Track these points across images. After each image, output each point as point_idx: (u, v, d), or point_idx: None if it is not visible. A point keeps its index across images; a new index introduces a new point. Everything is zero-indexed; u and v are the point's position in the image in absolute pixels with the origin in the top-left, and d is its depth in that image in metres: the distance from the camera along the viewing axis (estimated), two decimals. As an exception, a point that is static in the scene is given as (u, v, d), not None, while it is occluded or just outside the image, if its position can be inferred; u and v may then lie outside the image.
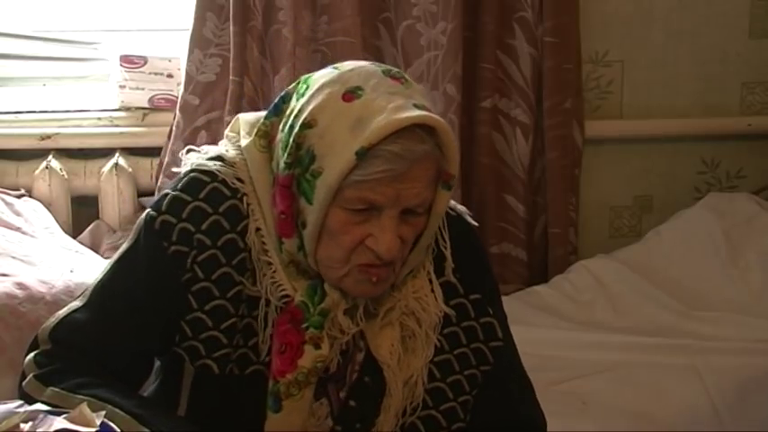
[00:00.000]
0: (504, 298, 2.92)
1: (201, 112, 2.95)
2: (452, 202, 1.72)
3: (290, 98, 1.58)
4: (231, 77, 2.90)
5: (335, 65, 1.59)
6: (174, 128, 2.95)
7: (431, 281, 1.66)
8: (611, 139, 3.24)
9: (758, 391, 2.52)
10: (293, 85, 1.60)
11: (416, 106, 1.50)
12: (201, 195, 1.60)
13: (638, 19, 3.19)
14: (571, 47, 3.06)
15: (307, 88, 1.56)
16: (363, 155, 1.47)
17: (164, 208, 1.60)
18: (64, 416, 1.43)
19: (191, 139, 2.94)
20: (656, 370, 2.57)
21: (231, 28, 2.88)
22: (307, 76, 1.59)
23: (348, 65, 1.58)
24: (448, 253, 1.68)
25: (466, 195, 3.03)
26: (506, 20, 3.02)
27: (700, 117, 3.25)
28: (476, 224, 1.76)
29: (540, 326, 2.77)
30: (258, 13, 2.88)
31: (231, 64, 2.89)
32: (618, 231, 3.31)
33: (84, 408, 1.44)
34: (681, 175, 3.29)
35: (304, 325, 1.58)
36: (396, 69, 1.58)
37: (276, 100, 1.62)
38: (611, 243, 3.22)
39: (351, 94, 1.51)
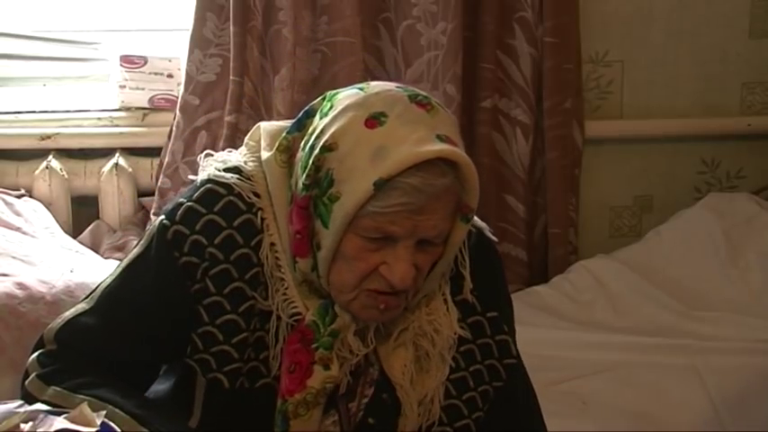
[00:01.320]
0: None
1: (202, 112, 2.95)
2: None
3: (314, 114, 1.56)
4: (231, 77, 2.90)
5: (362, 85, 1.56)
6: (174, 128, 2.95)
7: (446, 301, 1.65)
8: (611, 139, 3.24)
9: (758, 392, 2.52)
10: (318, 100, 1.58)
11: (439, 137, 1.48)
12: (216, 208, 1.58)
13: (638, 19, 3.19)
14: (571, 47, 3.06)
15: (331, 107, 1.53)
16: (382, 186, 1.45)
17: (177, 218, 1.59)
18: (64, 416, 1.43)
19: (191, 139, 2.94)
20: (656, 370, 2.57)
21: (231, 28, 2.88)
22: (333, 92, 1.57)
23: (374, 87, 1.55)
24: (467, 273, 1.66)
25: (466, 195, 3.03)
26: (506, 20, 3.02)
27: (700, 117, 3.25)
28: (495, 239, 1.74)
29: (540, 326, 2.77)
30: (258, 14, 2.88)
31: (231, 64, 2.89)
32: (618, 231, 3.31)
33: (85, 407, 1.44)
34: (681, 175, 3.29)
35: (314, 345, 1.56)
36: (423, 94, 1.54)
37: (300, 114, 1.59)
38: (611, 243, 3.22)
39: (374, 120, 1.49)
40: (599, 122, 3.19)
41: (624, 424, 2.40)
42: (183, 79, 2.96)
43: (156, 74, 3.03)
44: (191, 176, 1.68)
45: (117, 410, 1.49)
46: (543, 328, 2.76)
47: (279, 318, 1.58)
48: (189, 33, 2.93)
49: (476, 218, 1.69)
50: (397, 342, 1.62)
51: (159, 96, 3.03)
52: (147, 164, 3.01)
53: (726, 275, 2.93)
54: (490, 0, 2.98)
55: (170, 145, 2.95)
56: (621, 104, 3.23)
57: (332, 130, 1.50)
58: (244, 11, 2.87)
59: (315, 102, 1.59)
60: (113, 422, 1.45)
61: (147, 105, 3.03)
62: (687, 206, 3.16)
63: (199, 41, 2.93)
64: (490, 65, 3.03)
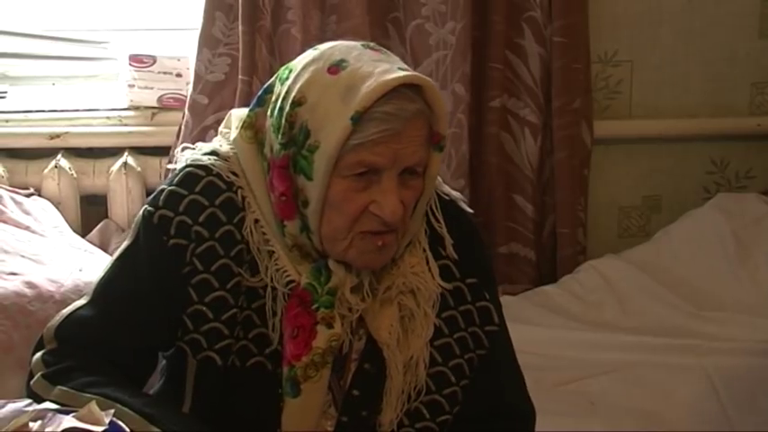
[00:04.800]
0: (512, 298, 2.94)
1: (210, 111, 2.95)
2: (447, 188, 1.76)
3: (273, 87, 1.62)
4: (240, 77, 2.90)
5: (315, 47, 1.63)
6: (182, 127, 2.95)
7: (427, 259, 1.68)
8: (619, 139, 3.24)
9: (767, 392, 2.51)
10: (274, 77, 1.64)
11: (402, 69, 1.54)
12: (197, 189, 1.62)
13: (648, 19, 3.18)
14: (580, 47, 3.06)
15: (290, 72, 1.59)
16: (358, 119, 1.50)
17: (161, 203, 1.63)
18: (72, 414, 1.44)
19: (199, 138, 2.94)
20: (665, 370, 2.56)
21: (240, 27, 2.88)
22: (287, 64, 1.63)
23: (327, 44, 1.62)
24: (444, 231, 1.70)
25: (474, 195, 3.03)
26: (515, 19, 3.02)
27: (709, 117, 3.24)
28: (470, 210, 1.78)
29: (548, 326, 2.77)
30: (267, 13, 2.88)
31: (240, 63, 2.89)
32: (626, 231, 3.30)
33: (94, 406, 1.44)
34: (690, 176, 3.29)
35: (314, 306, 1.59)
36: (374, 43, 1.62)
37: (259, 92, 1.65)
38: (620, 243, 3.22)
39: (335, 67, 1.55)
40: (608, 122, 3.18)
41: (632, 424, 2.40)
42: (191, 78, 2.96)
43: (164, 73, 3.03)
44: (169, 166, 1.73)
45: (126, 409, 1.50)
46: (552, 328, 2.76)
47: (274, 290, 1.60)
48: (198, 33, 2.93)
49: (450, 190, 1.76)
50: (382, 298, 1.64)
51: (168, 95, 3.04)
52: (155, 163, 3.01)
53: (735, 276, 2.92)
54: (499, -1, 2.99)
55: (179, 144, 2.95)
56: (630, 104, 3.22)
57: (297, 86, 1.56)
58: (253, 10, 2.87)
59: (271, 79, 1.65)
60: (122, 421, 1.45)
61: (155, 104, 3.04)
62: (696, 206, 3.15)
63: (208, 41, 2.93)
64: (499, 64, 3.02)
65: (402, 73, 1.52)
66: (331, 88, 1.53)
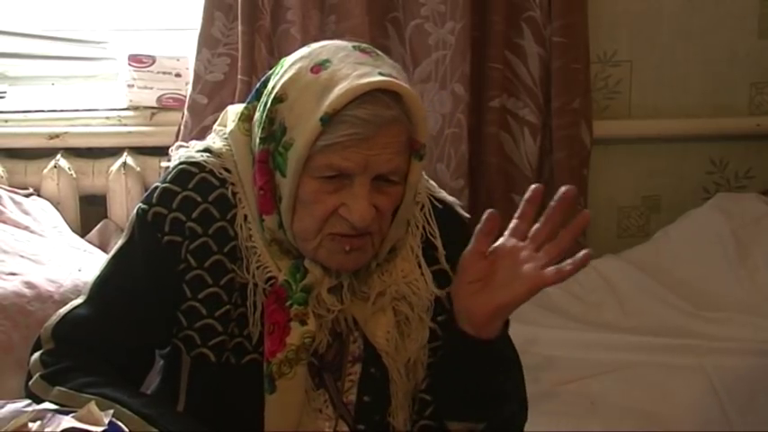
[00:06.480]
0: (511, 298, 2.92)
1: (210, 111, 2.95)
2: (443, 194, 1.75)
3: (269, 80, 1.63)
4: (239, 77, 2.90)
5: (309, 44, 1.64)
6: (182, 127, 2.95)
7: (420, 265, 1.68)
8: (619, 139, 3.24)
9: (766, 392, 2.51)
10: (271, 70, 1.65)
11: (382, 74, 1.53)
12: (190, 185, 1.63)
13: (647, 19, 3.18)
14: (579, 46, 3.06)
15: (281, 67, 1.61)
16: (327, 121, 1.50)
17: (154, 200, 1.64)
18: (72, 415, 1.44)
19: (199, 138, 2.92)
20: (665, 370, 2.56)
21: (239, 27, 2.88)
22: (285, 58, 1.64)
23: (320, 42, 1.63)
24: (438, 242, 1.69)
25: (474, 195, 3.03)
26: (515, 19, 3.02)
27: (708, 117, 3.24)
28: (467, 215, 1.77)
29: (548, 326, 2.77)
30: (266, 13, 2.88)
31: (239, 63, 2.89)
32: (626, 231, 3.30)
33: (93, 406, 1.44)
34: (689, 176, 3.29)
35: (288, 303, 1.59)
36: (366, 44, 1.61)
37: (257, 85, 1.66)
38: (620, 243, 3.22)
39: (319, 66, 1.55)
40: (607, 122, 3.18)
41: (632, 424, 2.40)
42: (191, 78, 2.96)
43: (164, 73, 3.02)
44: (163, 164, 1.74)
45: (124, 410, 1.50)
46: (551, 329, 2.76)
47: (256, 287, 1.61)
48: (197, 33, 2.93)
49: (446, 196, 1.75)
50: (375, 307, 1.65)
51: (167, 95, 3.03)
52: (155, 163, 3.01)
53: (734, 276, 2.92)
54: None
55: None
56: (630, 104, 3.22)
57: (281, 82, 1.57)
58: (252, 10, 2.87)
59: (270, 71, 1.65)
60: (121, 421, 1.45)
61: (155, 104, 3.03)
62: (695, 206, 3.15)
63: (207, 41, 2.93)
64: (498, 64, 3.02)
65: (378, 78, 1.51)
66: (310, 87, 1.54)
